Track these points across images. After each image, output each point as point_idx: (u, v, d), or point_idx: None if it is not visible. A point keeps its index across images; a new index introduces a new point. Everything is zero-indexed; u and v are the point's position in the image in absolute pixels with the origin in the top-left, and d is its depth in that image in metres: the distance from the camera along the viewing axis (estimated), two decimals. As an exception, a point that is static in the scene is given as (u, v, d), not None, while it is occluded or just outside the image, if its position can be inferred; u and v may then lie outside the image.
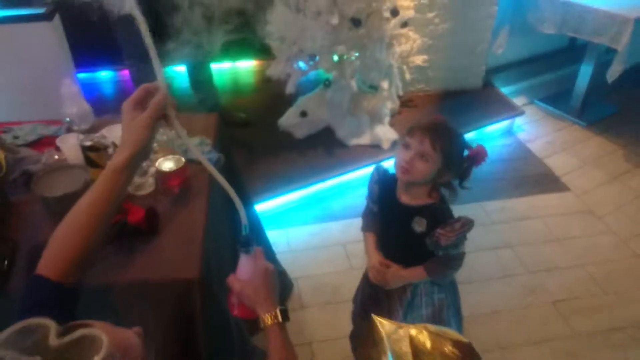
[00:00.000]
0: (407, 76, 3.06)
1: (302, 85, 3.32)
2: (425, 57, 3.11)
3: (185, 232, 1.31)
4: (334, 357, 1.96)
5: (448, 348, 0.76)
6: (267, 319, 0.98)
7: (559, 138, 3.24)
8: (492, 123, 3.20)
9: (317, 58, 2.76)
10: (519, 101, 3.47)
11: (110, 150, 1.48)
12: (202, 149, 1.55)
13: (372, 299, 1.62)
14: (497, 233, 2.52)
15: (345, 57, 2.81)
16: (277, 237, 2.47)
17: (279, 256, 2.30)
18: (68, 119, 1.64)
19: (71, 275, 0.86)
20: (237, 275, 1.03)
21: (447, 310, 1.52)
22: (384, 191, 1.50)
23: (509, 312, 2.14)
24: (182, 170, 1.46)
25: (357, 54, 2.81)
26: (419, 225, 1.39)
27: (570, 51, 3.92)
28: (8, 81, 1.91)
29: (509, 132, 3.28)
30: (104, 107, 3.24)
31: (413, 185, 1.39)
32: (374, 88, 2.98)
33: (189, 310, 1.22)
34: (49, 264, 0.86)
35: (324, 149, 2.91)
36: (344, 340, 1.84)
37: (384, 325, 0.87)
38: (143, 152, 0.94)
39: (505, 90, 3.50)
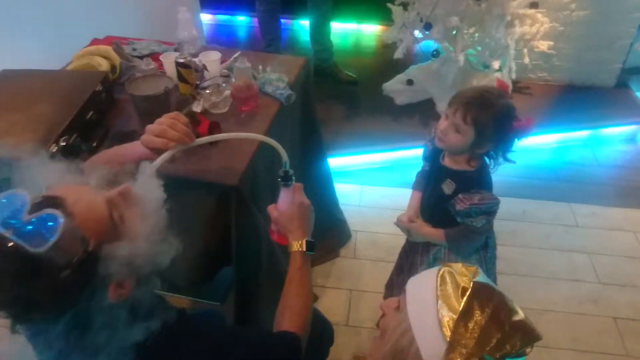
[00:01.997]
0: (527, 61, 2.90)
1: (418, 55, 3.34)
2: (551, 43, 2.91)
3: (238, 149, 1.48)
4: (367, 306, 2.06)
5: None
6: (293, 245, 1.11)
7: (691, 156, 2.87)
8: (612, 125, 2.93)
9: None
10: (655, 109, 3.11)
11: (197, 72, 1.70)
12: (277, 84, 1.70)
13: (405, 252, 1.70)
14: (577, 237, 2.36)
15: (464, 30, 2.76)
16: (351, 191, 2.59)
17: (347, 208, 2.42)
18: (178, 41, 1.90)
19: None
20: (277, 205, 1.17)
21: None
22: (434, 151, 1.54)
23: (563, 314, 2.04)
24: (253, 98, 1.63)
25: (472, 28, 2.74)
26: (448, 188, 1.42)
27: None
28: (141, 4, 2.24)
29: (631, 139, 2.97)
30: (222, 43, 3.59)
31: (453, 152, 1.42)
32: (487, 66, 2.89)
33: (225, 212, 1.40)
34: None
35: (420, 118, 2.92)
36: (382, 295, 1.92)
37: None
38: None
39: (642, 94, 3.15)
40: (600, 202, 2.53)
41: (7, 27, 2.20)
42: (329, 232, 2.23)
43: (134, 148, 1.13)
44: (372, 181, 2.66)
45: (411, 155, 2.75)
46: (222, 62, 1.80)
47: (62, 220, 0.70)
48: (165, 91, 1.46)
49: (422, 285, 0.76)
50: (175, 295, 2.07)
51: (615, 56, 3.08)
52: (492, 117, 1.31)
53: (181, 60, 1.61)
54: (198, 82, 1.69)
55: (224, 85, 1.67)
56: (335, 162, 2.66)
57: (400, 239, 2.45)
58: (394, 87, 3.09)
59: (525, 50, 2.89)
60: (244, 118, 1.62)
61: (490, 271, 1.69)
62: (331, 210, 2.22)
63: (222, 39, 3.65)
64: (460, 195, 1.38)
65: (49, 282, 0.71)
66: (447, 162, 1.47)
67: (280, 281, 1.31)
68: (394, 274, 1.83)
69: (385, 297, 1.83)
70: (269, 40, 3.06)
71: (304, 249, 1.10)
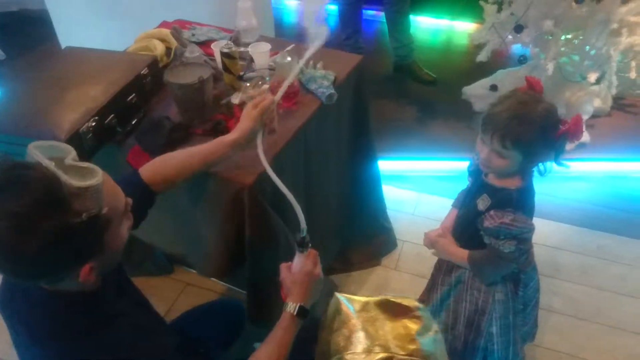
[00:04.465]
0: (633, 75, 2.54)
1: (510, 59, 3.08)
2: (667, 57, 2.53)
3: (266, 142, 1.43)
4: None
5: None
6: (288, 305, 1.13)
7: None
8: None
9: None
10: None
11: (242, 62, 1.69)
12: (322, 82, 1.63)
13: (434, 268, 1.60)
14: (660, 285, 2.05)
15: (561, 36, 2.48)
16: (408, 198, 2.46)
17: (399, 215, 2.32)
18: (236, 30, 1.89)
19: (155, 185, 1.21)
20: (291, 266, 1.20)
21: (488, 319, 1.38)
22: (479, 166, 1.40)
23: (620, 372, 1.78)
24: (293, 95, 1.58)
25: (568, 35, 2.45)
26: (482, 203, 1.29)
27: None
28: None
29: None
30: (295, 31, 3.53)
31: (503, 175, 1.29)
32: (585, 78, 2.58)
33: (239, 210, 1.38)
34: (148, 170, 1.21)
35: (497, 129, 2.69)
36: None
37: (352, 300, 0.86)
38: (246, 139, 1.26)
39: None
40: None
41: (94, 5, 2.35)
42: (371, 239, 2.14)
43: (201, 149, 1.27)
44: (432, 190, 2.50)
45: (480, 168, 2.55)
46: (274, 54, 1.77)
47: (100, 173, 0.81)
48: (199, 81, 1.45)
49: None
50: (213, 280, 2.11)
51: None
52: (537, 132, 1.16)
53: (225, 51, 1.60)
54: (242, 73, 1.67)
55: (268, 78, 1.64)
56: (394, 165, 2.54)
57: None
58: (476, 91, 2.87)
59: (634, 64, 2.53)
60: (281, 114, 1.57)
61: (529, 316, 1.51)
62: (376, 217, 2.12)
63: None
64: (491, 212, 1.25)
65: (60, 219, 0.75)
66: (490, 178, 1.33)
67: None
68: (425, 291, 1.70)
69: None
70: (348, 34, 2.97)
71: (295, 312, 1.11)
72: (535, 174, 1.30)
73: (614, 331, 1.91)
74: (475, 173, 1.42)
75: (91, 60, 1.64)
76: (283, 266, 1.20)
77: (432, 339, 0.78)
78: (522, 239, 1.24)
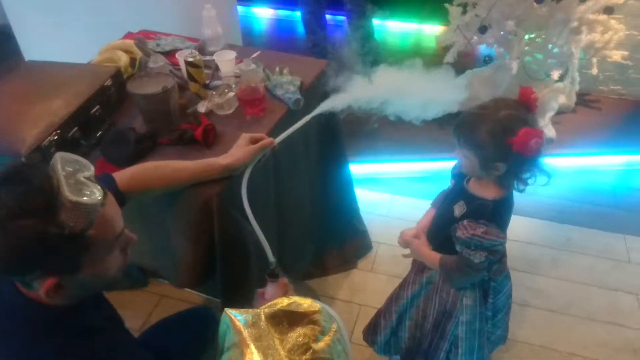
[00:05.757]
0: (595, 71, 2.61)
1: (479, 59, 3.14)
2: (626, 53, 2.61)
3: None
4: (375, 325, 1.95)
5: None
6: None
7: None
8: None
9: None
10: None
11: (208, 70, 1.69)
12: (288, 88, 1.64)
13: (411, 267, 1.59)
14: (627, 274, 2.10)
15: (524, 35, 2.54)
16: (381, 200, 2.48)
17: (373, 217, 2.33)
18: (202, 39, 1.90)
19: (128, 192, 1.18)
20: (265, 293, 1.23)
21: (454, 322, 1.39)
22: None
23: (592, 361, 1.82)
24: (259, 101, 1.58)
25: (531, 34, 2.51)
26: (458, 209, 1.30)
27: None
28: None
29: None
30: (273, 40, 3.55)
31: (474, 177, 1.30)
32: (549, 75, 2.65)
33: (209, 218, 1.37)
34: (123, 177, 1.19)
35: (467, 128, 2.73)
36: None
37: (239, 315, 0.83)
38: (235, 169, 1.31)
39: None
40: (664, 238, 2.24)
41: (57, 18, 2.32)
42: (346, 243, 2.14)
43: (191, 166, 1.29)
44: (405, 191, 2.53)
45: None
46: (239, 62, 1.77)
47: (98, 195, 0.83)
48: (163, 90, 1.44)
49: None
50: (189, 290, 2.09)
51: None
52: (486, 134, 1.15)
53: (190, 59, 1.59)
54: (207, 82, 1.67)
55: (234, 86, 1.64)
56: (367, 167, 2.56)
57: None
58: (445, 92, 2.91)
59: (595, 60, 2.60)
60: (248, 121, 1.58)
61: (501, 321, 1.51)
62: (350, 220, 2.13)
63: (278, 35, 3.64)
64: (465, 222, 1.25)
65: (40, 224, 0.77)
66: (471, 184, 1.33)
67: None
68: (396, 289, 1.69)
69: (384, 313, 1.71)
70: (314, 40, 2.99)
71: None
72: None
73: (585, 322, 1.95)
74: (458, 176, 1.41)
75: (53, 74, 1.62)
76: (259, 292, 1.23)
77: (329, 343, 0.76)
78: (493, 251, 1.24)
